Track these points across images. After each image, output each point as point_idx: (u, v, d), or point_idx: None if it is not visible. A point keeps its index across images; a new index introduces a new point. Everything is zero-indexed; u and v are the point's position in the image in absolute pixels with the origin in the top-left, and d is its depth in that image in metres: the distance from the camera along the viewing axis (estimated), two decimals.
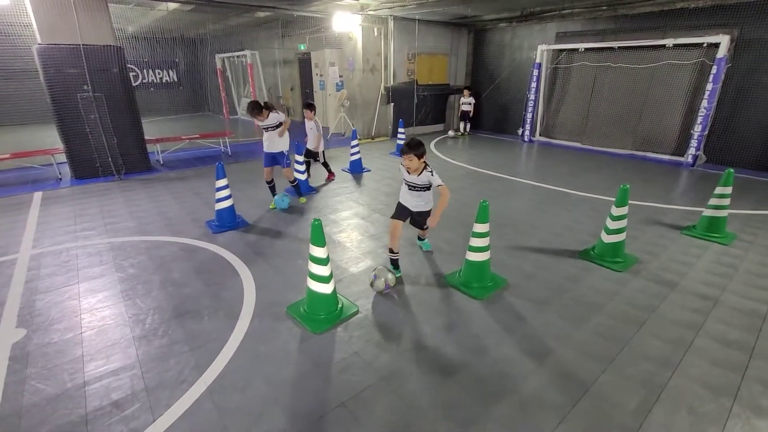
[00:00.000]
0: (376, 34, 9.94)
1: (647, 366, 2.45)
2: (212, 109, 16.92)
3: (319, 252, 2.76)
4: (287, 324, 2.87)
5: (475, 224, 3.17)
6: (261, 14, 10.67)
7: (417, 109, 10.83)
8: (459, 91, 11.22)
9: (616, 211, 3.57)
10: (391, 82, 10.30)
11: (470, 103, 10.49)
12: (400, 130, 8.46)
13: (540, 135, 10.10)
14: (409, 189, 3.30)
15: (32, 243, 4.25)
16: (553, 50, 9.45)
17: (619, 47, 8.18)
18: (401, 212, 3.40)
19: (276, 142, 4.95)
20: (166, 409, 2.15)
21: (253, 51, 12.72)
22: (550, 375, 2.38)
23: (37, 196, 5.86)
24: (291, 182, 5.32)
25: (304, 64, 13.04)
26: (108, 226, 4.71)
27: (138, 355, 2.56)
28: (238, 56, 13.73)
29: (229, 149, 8.84)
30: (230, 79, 15.31)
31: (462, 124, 10.76)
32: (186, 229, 4.60)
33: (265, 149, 5.01)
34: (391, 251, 3.42)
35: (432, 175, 3.12)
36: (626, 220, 3.62)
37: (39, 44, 6.05)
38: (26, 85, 9.41)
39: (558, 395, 2.23)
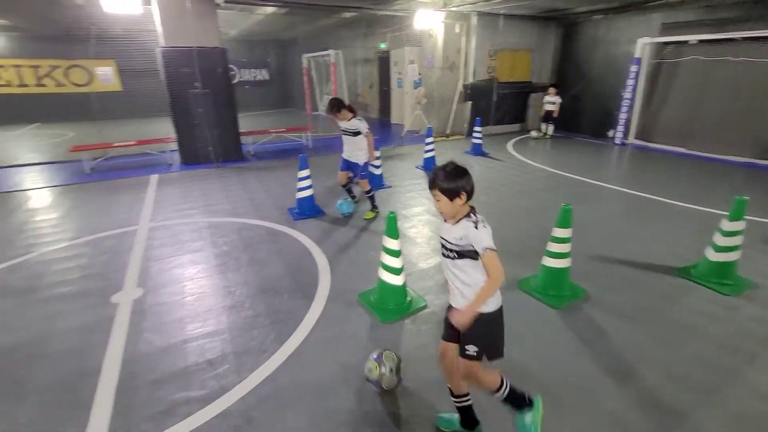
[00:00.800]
0: (457, 30, 9.80)
1: (761, 406, 2.12)
2: (297, 106, 18.04)
3: (392, 244, 2.84)
4: (358, 311, 3.00)
5: (555, 228, 3.00)
6: (347, 15, 11.13)
7: (495, 108, 10.47)
8: (542, 89, 10.60)
9: (728, 225, 3.13)
10: (470, 80, 10.09)
11: (555, 102, 9.84)
12: (477, 128, 8.26)
13: (635, 138, 9.15)
14: (444, 255, 1.79)
15: (149, 217, 4.96)
16: (657, 44, 8.46)
17: (743, 38, 7.07)
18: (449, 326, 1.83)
19: (355, 152, 4.67)
20: (250, 373, 2.39)
21: (337, 50, 13.32)
22: (636, 398, 2.18)
23: (154, 177, 6.83)
24: (366, 192, 4.92)
25: (383, 63, 13.32)
26: (207, 207, 5.32)
27: (227, 323, 2.88)
28: (322, 56, 14.47)
29: (310, 143, 9.40)
30: (314, 77, 16.21)
31: (544, 125, 10.15)
32: (271, 214, 5.02)
33: (344, 154, 4.78)
34: (452, 394, 1.92)
35: (476, 228, 1.62)
36: (741, 237, 3.15)
37: (162, 47, 7.00)
38: (149, 83, 10.99)
39: (645, 421, 2.04)
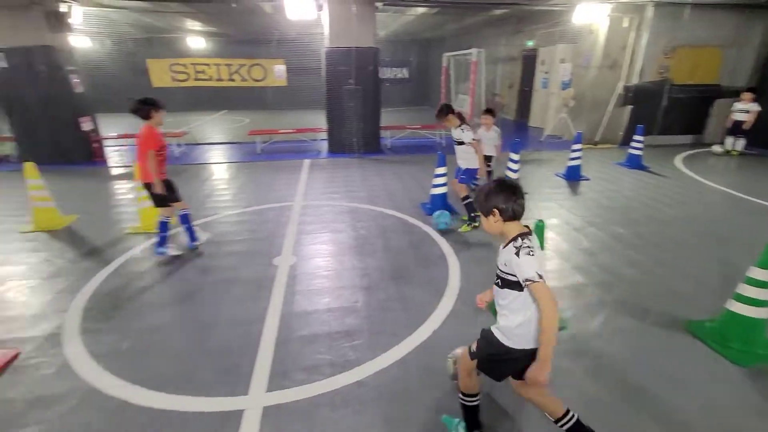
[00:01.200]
0: (625, 24, 8.60)
1: None
2: (433, 104, 18.36)
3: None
4: (486, 315, 2.94)
5: (752, 268, 2.43)
6: (497, 12, 10.80)
7: (664, 114, 8.90)
8: (734, 94, 8.56)
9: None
10: (634, 81, 8.77)
11: (749, 111, 7.83)
12: (637, 137, 7.16)
13: None
14: (496, 284, 1.66)
15: (302, 196, 5.71)
16: None
17: None
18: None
19: (463, 157, 4.43)
20: (382, 352, 2.56)
21: (480, 49, 13.05)
22: None
23: (306, 162, 7.81)
24: (462, 199, 4.49)
25: (528, 61, 12.55)
26: (348, 192, 5.85)
27: (363, 301, 3.14)
28: (464, 54, 14.35)
29: (443, 141, 9.49)
30: (451, 76, 16.24)
31: (731, 139, 8.19)
32: (404, 206, 5.25)
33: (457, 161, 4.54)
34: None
35: (517, 255, 1.47)
36: None
37: (327, 47, 7.89)
38: (309, 79, 12.58)
39: None
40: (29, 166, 4.43)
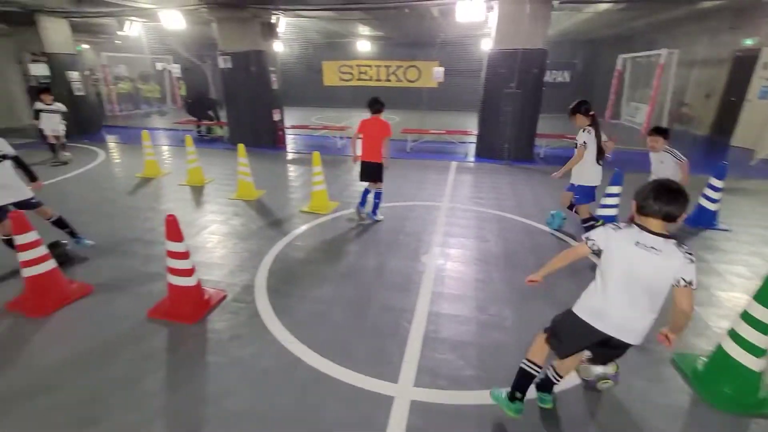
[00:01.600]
0: None
1: None
2: (597, 111, 16.37)
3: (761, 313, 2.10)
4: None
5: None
6: (707, 4, 8.88)
7: None
8: None
9: None
10: None
11: None
12: None
13: None
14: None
15: (449, 198, 5.74)
16: None
17: None
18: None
19: (577, 170, 4.04)
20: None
21: (672, 50, 10.96)
22: None
23: (453, 164, 7.83)
24: (582, 222, 4.19)
25: (741, 65, 9.99)
26: (496, 200, 5.63)
27: (512, 320, 2.96)
28: (648, 56, 12.29)
29: (611, 156, 8.31)
30: (626, 80, 14.10)
31: None
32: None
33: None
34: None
35: (689, 261, 1.56)
36: None
37: (491, 49, 7.71)
38: (463, 81, 12.60)
39: None
40: (241, 147, 5.54)
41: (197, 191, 5.99)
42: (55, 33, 9.87)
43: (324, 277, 3.52)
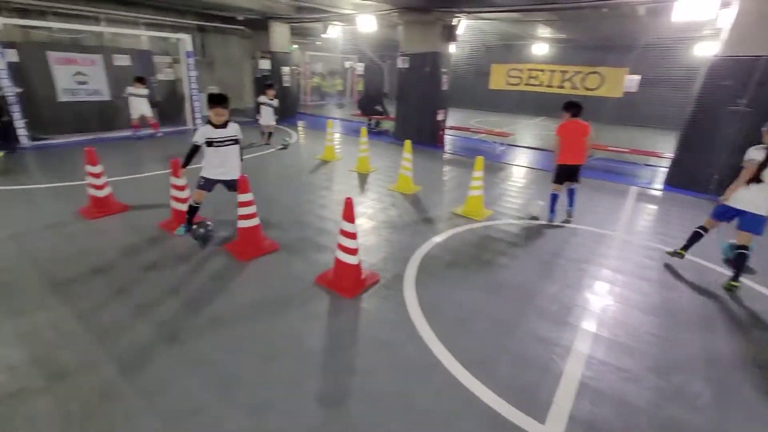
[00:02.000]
0: None
1: None
2: None
3: None
4: None
5: None
6: None
7: None
8: None
9: None
10: None
11: None
12: None
13: None
14: None
15: (625, 229, 4.90)
16: None
17: None
18: None
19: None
20: None
21: None
22: None
23: (633, 189, 6.67)
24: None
25: None
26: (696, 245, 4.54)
27: (707, 399, 2.33)
28: None
29: None
30: None
31: None
32: None
33: None
34: None
35: None
36: None
37: (716, 56, 6.19)
38: (660, 93, 10.56)
39: None
40: (407, 143, 5.86)
41: (363, 178, 6.60)
42: (279, 35, 12.23)
43: (472, 285, 3.44)
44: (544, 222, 4.94)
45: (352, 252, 3.19)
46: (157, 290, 3.14)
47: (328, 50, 16.82)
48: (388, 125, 11.20)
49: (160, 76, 10.29)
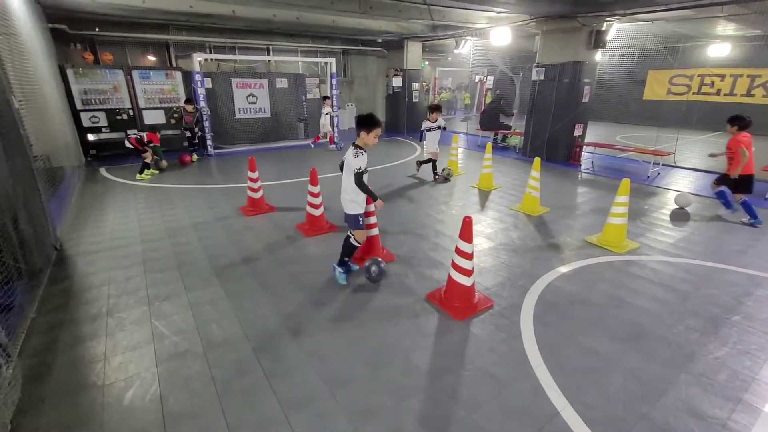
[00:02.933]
0: None
1: None
2: None
3: None
4: None
5: None
6: None
7: None
8: None
9: None
10: None
11: None
12: None
13: None
14: None
15: None
16: None
17: None
18: None
19: None
20: None
21: None
22: None
23: None
24: None
25: None
26: None
27: None
28: None
29: None
30: None
31: None
32: None
33: None
34: None
35: None
36: None
37: None
38: None
39: None
40: (537, 161, 5.43)
41: (484, 195, 6.37)
42: (412, 53, 12.82)
43: (605, 329, 2.96)
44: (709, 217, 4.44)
45: (467, 273, 3.08)
46: (289, 284, 3.55)
47: (458, 65, 16.90)
48: (515, 140, 10.61)
49: (309, 95, 11.81)
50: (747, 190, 5.12)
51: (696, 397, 2.33)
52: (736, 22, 10.17)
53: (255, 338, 2.82)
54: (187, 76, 9.35)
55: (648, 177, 7.64)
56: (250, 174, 5.27)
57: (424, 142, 7.11)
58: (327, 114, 10.05)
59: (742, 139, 5.01)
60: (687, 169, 8.47)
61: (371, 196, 3.24)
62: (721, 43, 13.08)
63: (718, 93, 13.69)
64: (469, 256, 3.05)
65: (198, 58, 8.60)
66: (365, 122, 3.11)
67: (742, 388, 2.40)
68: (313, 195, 4.64)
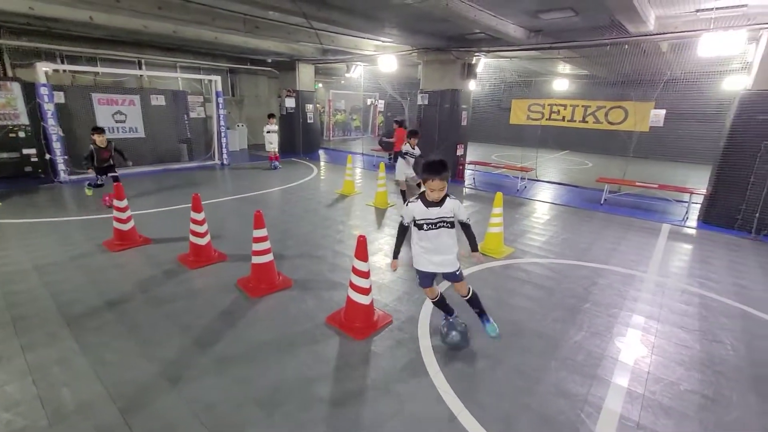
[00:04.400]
0: None
1: None
2: None
3: None
4: None
5: None
6: None
7: None
8: None
9: None
10: None
11: None
12: None
13: None
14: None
15: (659, 270, 4.58)
16: None
17: None
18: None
19: None
20: None
21: None
22: None
23: (665, 227, 6.32)
24: None
25: None
26: (737, 287, 4.18)
27: None
28: None
29: None
30: None
31: None
32: None
33: None
34: None
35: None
36: None
37: (746, 90, 5.99)
38: (686, 126, 10.27)
39: None
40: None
41: (380, 213, 6.57)
42: (305, 75, 12.85)
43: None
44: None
45: (365, 291, 3.08)
46: (166, 326, 3.10)
47: (351, 88, 17.47)
48: None
49: (193, 114, 10.88)
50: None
51: (564, 379, 2.66)
52: (570, 63, 12.55)
53: (122, 396, 2.36)
54: (31, 89, 7.80)
55: (518, 190, 8.81)
56: (116, 203, 4.54)
57: (397, 165, 6.28)
58: (269, 132, 9.88)
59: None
60: (546, 182, 10.01)
61: (394, 252, 2.90)
62: (562, 79, 16.03)
63: (563, 119, 16.33)
64: (365, 275, 3.06)
65: (43, 68, 7.27)
66: (424, 170, 2.56)
67: (596, 365, 2.83)
68: (196, 222, 4.19)
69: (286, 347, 2.90)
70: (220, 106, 10.08)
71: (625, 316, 3.52)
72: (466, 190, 8.78)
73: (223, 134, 10.27)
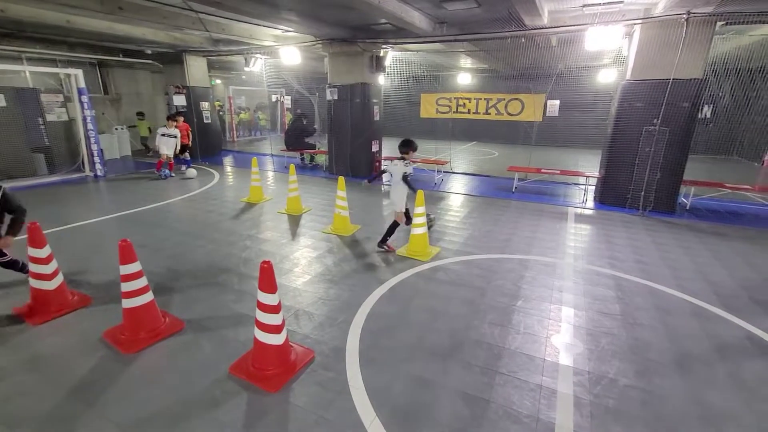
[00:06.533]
0: None
1: None
2: (745, 155, 13.52)
3: None
4: None
5: None
6: None
7: None
8: None
9: None
10: None
11: None
12: None
13: None
14: None
15: (573, 255, 4.72)
16: None
17: None
18: None
19: None
20: None
21: None
22: None
23: (570, 210, 6.72)
24: None
25: None
26: (639, 264, 4.46)
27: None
28: None
29: None
30: None
31: None
32: (744, 308, 3.50)
33: None
34: None
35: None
36: None
37: (626, 80, 6.59)
38: (574, 115, 11.35)
39: None
40: (341, 180, 5.32)
41: (294, 220, 5.89)
42: (196, 69, 11.34)
43: (428, 350, 2.87)
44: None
45: (275, 330, 2.49)
46: (4, 410, 2.15)
47: (253, 83, 16.10)
48: (322, 159, 10.65)
49: (51, 117, 8.83)
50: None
51: (511, 398, 2.41)
52: (472, 57, 13.01)
53: None
54: None
55: (435, 184, 8.78)
56: None
57: (399, 191, 4.77)
58: (163, 135, 8.56)
59: None
60: (461, 174, 10.20)
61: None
62: (465, 74, 16.70)
63: (469, 112, 16.87)
64: (275, 309, 2.46)
65: None
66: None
67: (539, 372, 2.64)
68: (38, 262, 3.12)
69: (175, 420, 2.19)
70: (86, 106, 8.30)
71: (554, 310, 3.45)
72: (384, 188, 8.48)
73: (93, 139, 8.49)
